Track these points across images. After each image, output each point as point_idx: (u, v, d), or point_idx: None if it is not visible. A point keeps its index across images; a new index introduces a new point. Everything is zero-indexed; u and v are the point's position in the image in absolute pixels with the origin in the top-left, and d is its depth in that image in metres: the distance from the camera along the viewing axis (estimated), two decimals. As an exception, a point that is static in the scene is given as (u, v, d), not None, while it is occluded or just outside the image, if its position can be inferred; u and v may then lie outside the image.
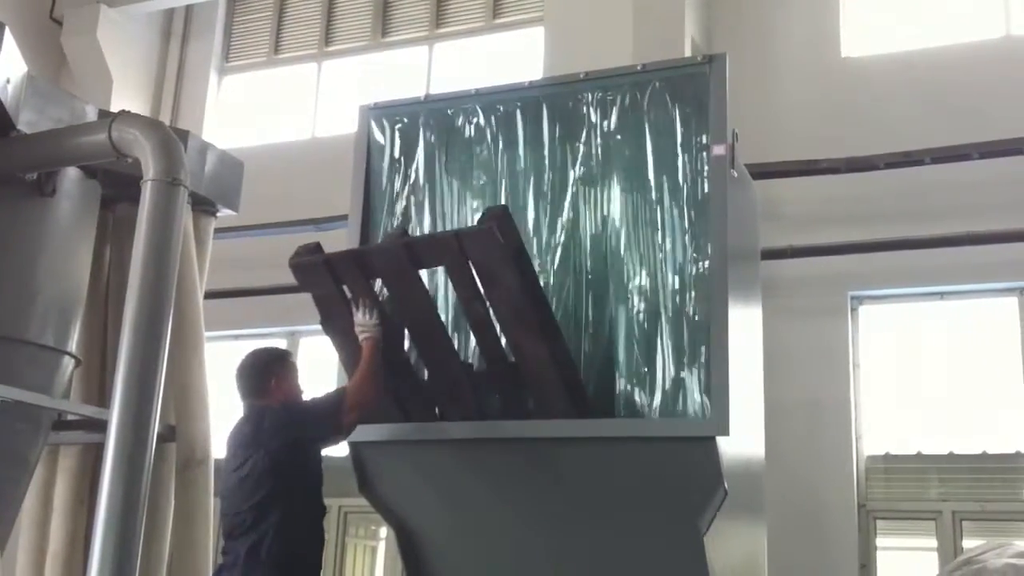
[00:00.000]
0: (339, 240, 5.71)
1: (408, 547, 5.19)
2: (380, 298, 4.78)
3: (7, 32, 5.08)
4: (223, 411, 6.38)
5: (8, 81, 5.15)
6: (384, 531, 8.83)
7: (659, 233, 4.79)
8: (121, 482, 4.31)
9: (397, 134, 5.49)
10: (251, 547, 4.48)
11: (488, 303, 4.54)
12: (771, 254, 7.13)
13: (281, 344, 9.73)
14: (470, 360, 4.96)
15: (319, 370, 6.02)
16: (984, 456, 7.38)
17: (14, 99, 5.23)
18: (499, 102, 5.28)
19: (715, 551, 4.56)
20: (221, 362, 8.32)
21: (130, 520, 4.30)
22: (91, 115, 5.78)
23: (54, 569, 6.02)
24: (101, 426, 4.98)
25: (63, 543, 6.05)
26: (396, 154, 5.47)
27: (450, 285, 4.80)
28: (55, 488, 6.19)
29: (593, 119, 5.04)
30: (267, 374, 4.79)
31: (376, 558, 9.28)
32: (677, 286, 4.69)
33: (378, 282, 4.78)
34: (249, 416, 4.75)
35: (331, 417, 4.61)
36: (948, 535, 7.22)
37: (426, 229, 5.28)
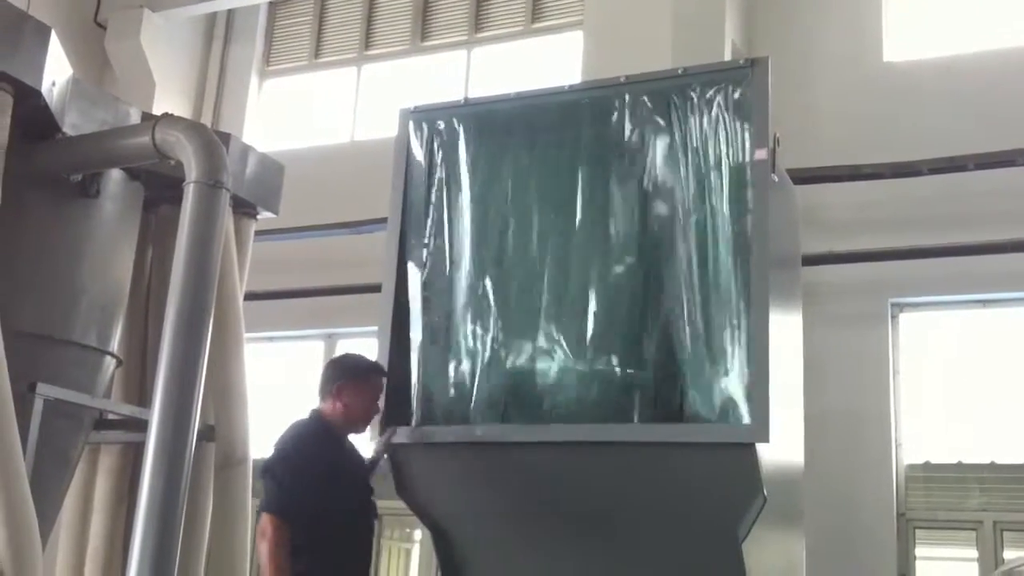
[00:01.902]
0: (378, 242, 5.73)
1: (444, 549, 5.19)
2: None
3: (53, 36, 5.14)
4: (262, 411, 6.43)
5: (53, 84, 5.20)
6: (419, 533, 8.84)
7: (699, 238, 4.76)
8: (161, 481, 4.34)
9: (436, 137, 5.49)
10: None
11: None
12: (812, 260, 7.08)
13: (318, 346, 9.78)
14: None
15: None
16: (1026, 466, 7.28)
17: (59, 102, 5.29)
18: (539, 105, 5.28)
19: (753, 559, 4.52)
20: (260, 363, 8.36)
21: (169, 519, 4.33)
22: (134, 118, 5.82)
23: (93, 567, 6.08)
24: (142, 425, 5.02)
25: (103, 541, 6.10)
26: (435, 157, 5.47)
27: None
28: (95, 487, 6.25)
29: (633, 122, 5.01)
30: (333, 378, 4.81)
31: (411, 560, 9.29)
32: (717, 291, 4.66)
33: None
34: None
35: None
36: (989, 545, 7.13)
37: (466, 233, 5.28)
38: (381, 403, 4.88)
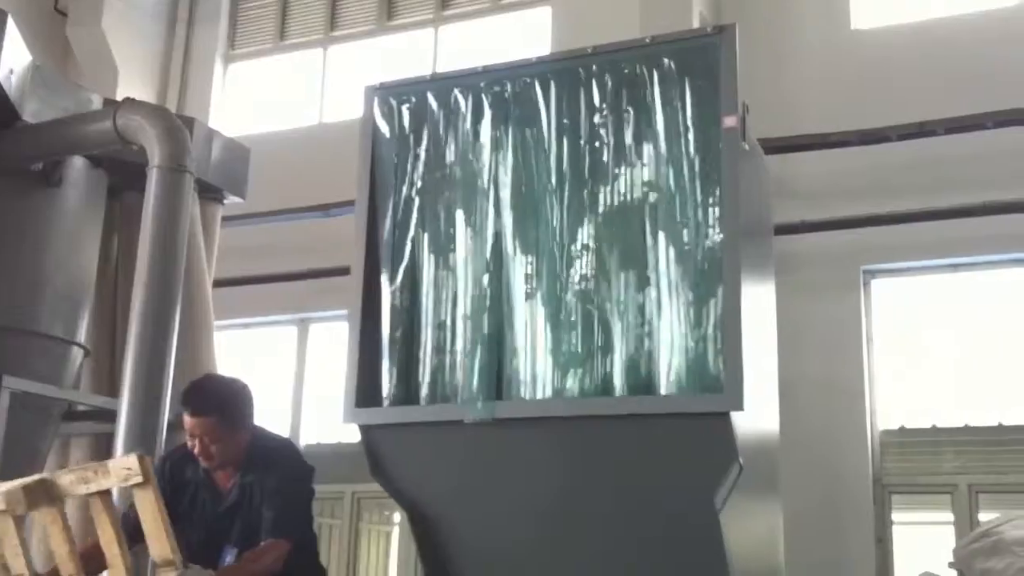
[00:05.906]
0: (349, 225, 5.68)
1: (422, 531, 5.18)
2: None
3: (10, 21, 5.06)
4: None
5: (12, 71, 5.13)
6: (398, 516, 8.82)
7: (670, 207, 4.74)
8: (132, 471, 4.30)
9: (404, 114, 5.43)
10: None
11: None
12: (783, 229, 7.08)
13: (291, 331, 9.72)
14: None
15: (330, 357, 6.00)
16: (1000, 428, 7.33)
17: (19, 89, 5.22)
18: (507, 79, 5.23)
19: (731, 527, 4.53)
20: (230, 350, 8.28)
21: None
22: (96, 104, 5.76)
23: (70, 559, 6.03)
24: (111, 417, 4.98)
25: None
26: (404, 134, 5.41)
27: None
28: (68, 479, 6.19)
29: (602, 93, 4.98)
30: None
31: (390, 543, 9.28)
32: (690, 261, 4.64)
33: None
34: None
35: None
36: (964, 508, 7.18)
37: (436, 209, 5.23)
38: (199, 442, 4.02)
